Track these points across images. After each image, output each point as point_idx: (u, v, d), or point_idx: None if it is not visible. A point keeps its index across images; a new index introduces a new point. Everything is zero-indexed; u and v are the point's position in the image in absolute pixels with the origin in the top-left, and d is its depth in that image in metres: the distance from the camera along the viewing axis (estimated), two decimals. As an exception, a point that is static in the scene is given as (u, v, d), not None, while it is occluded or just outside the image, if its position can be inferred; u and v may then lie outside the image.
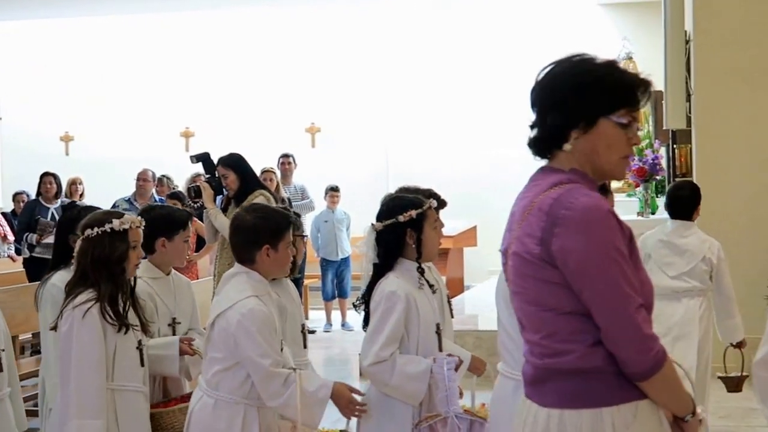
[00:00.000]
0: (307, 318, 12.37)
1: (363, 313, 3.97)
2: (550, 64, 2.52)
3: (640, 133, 9.33)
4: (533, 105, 2.52)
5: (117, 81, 15.11)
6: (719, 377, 5.93)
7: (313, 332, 11.55)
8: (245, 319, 3.59)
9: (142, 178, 10.66)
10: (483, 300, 11.29)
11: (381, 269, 3.88)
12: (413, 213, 3.83)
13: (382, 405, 3.81)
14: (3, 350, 3.87)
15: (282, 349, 3.73)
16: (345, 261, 11.98)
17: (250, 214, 3.82)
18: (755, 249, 7.67)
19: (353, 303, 4.08)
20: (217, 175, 7.12)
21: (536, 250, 2.39)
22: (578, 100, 2.43)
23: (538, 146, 2.51)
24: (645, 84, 2.50)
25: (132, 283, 3.94)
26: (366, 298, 3.90)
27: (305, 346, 4.36)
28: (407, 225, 3.84)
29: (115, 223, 3.80)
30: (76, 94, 15.18)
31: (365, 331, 3.94)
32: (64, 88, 15.24)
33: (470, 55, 14.19)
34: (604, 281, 2.33)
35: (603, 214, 2.35)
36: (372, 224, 3.94)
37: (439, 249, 11.51)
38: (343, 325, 11.79)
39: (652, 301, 2.48)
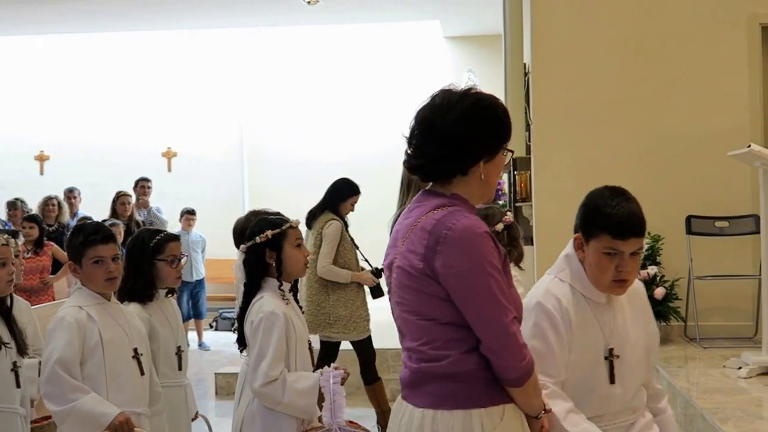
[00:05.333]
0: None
1: (237, 333, 4.05)
2: (438, 98, 2.69)
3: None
4: (428, 135, 2.66)
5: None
6: None
7: (169, 353, 11.64)
8: (53, 321, 3.74)
9: None
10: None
11: (249, 289, 3.99)
12: (269, 233, 3.94)
13: (267, 419, 3.89)
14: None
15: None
16: (200, 282, 12.19)
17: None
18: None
19: (232, 324, 4.20)
20: None
21: (419, 265, 2.59)
22: (492, 134, 2.65)
23: (438, 174, 2.68)
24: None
25: (9, 302, 4.06)
26: (240, 318, 4.01)
27: (180, 368, 4.39)
28: (265, 245, 3.95)
29: None
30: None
31: (240, 350, 4.06)
32: None
33: (328, 81, 14.55)
34: (483, 294, 2.54)
35: (479, 233, 2.57)
36: (240, 247, 4.06)
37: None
38: (200, 345, 11.92)
39: (522, 315, 2.75)
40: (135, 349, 3.84)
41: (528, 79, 8.57)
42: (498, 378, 2.58)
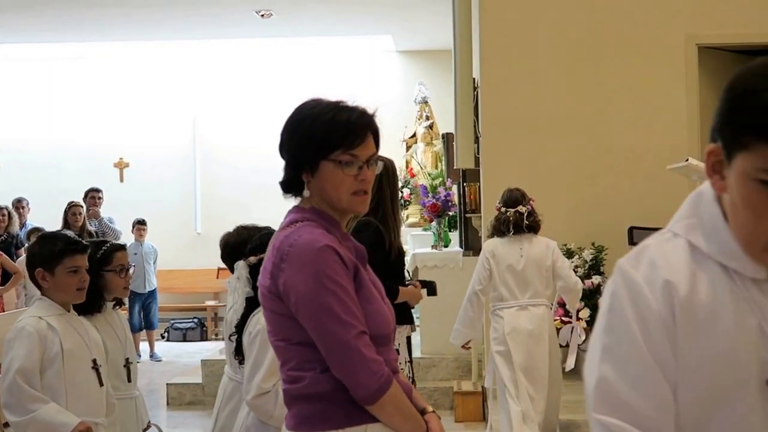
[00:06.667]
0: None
1: (234, 344, 4.07)
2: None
3: (433, 172, 9.95)
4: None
5: None
6: None
7: (121, 363, 11.68)
8: (13, 331, 3.77)
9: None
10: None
11: (255, 302, 3.89)
12: None
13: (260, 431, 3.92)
14: None
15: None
16: (152, 293, 12.21)
17: (33, 243, 3.99)
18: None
19: (229, 335, 4.17)
20: None
21: (268, 283, 2.50)
22: (299, 147, 2.55)
23: (286, 190, 2.62)
24: (361, 120, 2.56)
25: None
26: (239, 330, 4.00)
27: (130, 380, 4.37)
28: None
29: None
30: None
31: (238, 360, 4.08)
32: None
33: (281, 94, 14.58)
34: (321, 311, 2.41)
35: (318, 249, 2.43)
36: (247, 259, 4.01)
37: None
38: (152, 356, 11.95)
39: (387, 332, 2.58)
40: (94, 360, 3.88)
41: (477, 93, 8.70)
42: (352, 396, 2.46)
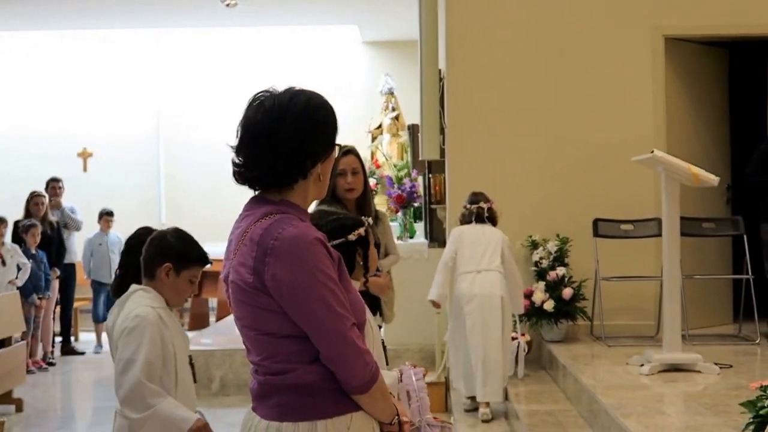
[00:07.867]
0: (76, 339, 12.37)
1: None
2: (267, 101, 2.56)
3: (399, 163, 9.98)
4: (264, 143, 2.50)
5: None
6: None
7: (83, 353, 11.62)
8: (132, 320, 3.62)
9: None
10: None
11: None
12: (362, 231, 3.61)
13: None
14: None
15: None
16: (117, 284, 12.12)
17: (170, 234, 3.85)
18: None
19: None
20: None
21: (249, 279, 2.45)
22: (330, 132, 2.57)
23: (277, 182, 2.53)
24: None
25: None
26: None
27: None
28: (357, 244, 3.59)
29: None
30: None
31: None
32: None
33: (247, 83, 14.52)
34: (316, 304, 2.41)
35: (309, 241, 2.43)
36: None
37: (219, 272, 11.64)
38: (115, 346, 11.87)
39: (364, 319, 2.61)
40: (190, 356, 3.84)
41: (443, 84, 8.71)
42: (343, 387, 2.49)
